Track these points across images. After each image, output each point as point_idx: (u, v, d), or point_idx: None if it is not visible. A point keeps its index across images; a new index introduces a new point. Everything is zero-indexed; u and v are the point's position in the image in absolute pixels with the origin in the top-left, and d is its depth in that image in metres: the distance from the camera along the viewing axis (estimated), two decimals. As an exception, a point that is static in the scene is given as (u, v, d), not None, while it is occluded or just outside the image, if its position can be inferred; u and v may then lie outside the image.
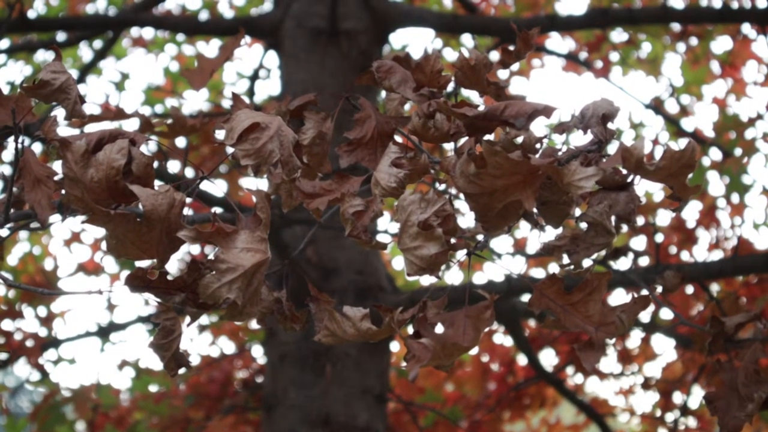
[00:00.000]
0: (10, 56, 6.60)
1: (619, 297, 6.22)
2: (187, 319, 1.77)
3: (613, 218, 1.73)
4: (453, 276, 7.18)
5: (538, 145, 1.77)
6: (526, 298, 4.74)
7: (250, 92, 6.12)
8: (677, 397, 6.43)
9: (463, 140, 1.86)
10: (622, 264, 3.62)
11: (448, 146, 1.95)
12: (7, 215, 1.93)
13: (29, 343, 6.12)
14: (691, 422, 6.51)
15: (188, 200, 1.68)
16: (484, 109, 1.77)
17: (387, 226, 5.82)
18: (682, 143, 1.62)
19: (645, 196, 6.68)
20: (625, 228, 1.78)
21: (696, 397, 6.99)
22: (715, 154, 6.42)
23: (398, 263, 7.57)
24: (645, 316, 5.58)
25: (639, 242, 6.16)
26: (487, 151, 1.58)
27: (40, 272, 6.96)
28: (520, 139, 1.79)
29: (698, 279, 4.38)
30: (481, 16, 5.90)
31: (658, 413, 6.62)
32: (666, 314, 6.01)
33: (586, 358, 1.72)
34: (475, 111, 1.77)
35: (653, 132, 7.17)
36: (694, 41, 7.12)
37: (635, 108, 8.83)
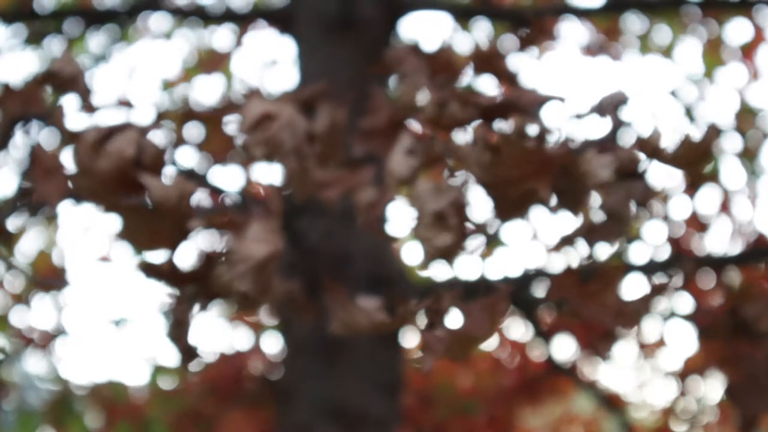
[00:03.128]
0: (18, 45, 6.60)
1: (635, 285, 6.19)
2: (199, 309, 1.76)
3: (631, 206, 1.72)
4: (464, 263, 7.16)
5: (553, 134, 1.75)
6: (540, 287, 4.72)
7: (262, 80, 6.11)
8: (695, 388, 6.40)
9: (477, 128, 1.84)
10: (638, 252, 3.59)
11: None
12: (18, 205, 1.92)
13: (40, 336, 6.14)
14: (709, 412, 6.49)
15: (199, 189, 1.67)
16: (499, 98, 1.75)
17: (399, 214, 5.80)
18: (700, 131, 1.60)
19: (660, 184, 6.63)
20: (641, 216, 1.76)
21: (714, 387, 6.96)
22: (731, 141, 6.38)
23: (410, 252, 7.55)
24: (663, 306, 5.55)
25: (654, 230, 6.13)
26: (502, 140, 1.57)
27: (50, 263, 6.96)
28: (535, 128, 1.77)
29: (715, 268, 4.35)
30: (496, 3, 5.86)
31: (676, 403, 6.61)
32: (684, 304, 5.98)
33: (603, 347, 1.70)
34: (489, 100, 1.75)
35: (668, 118, 7.13)
36: (710, 28, 7.07)
37: (650, 94, 8.78)
